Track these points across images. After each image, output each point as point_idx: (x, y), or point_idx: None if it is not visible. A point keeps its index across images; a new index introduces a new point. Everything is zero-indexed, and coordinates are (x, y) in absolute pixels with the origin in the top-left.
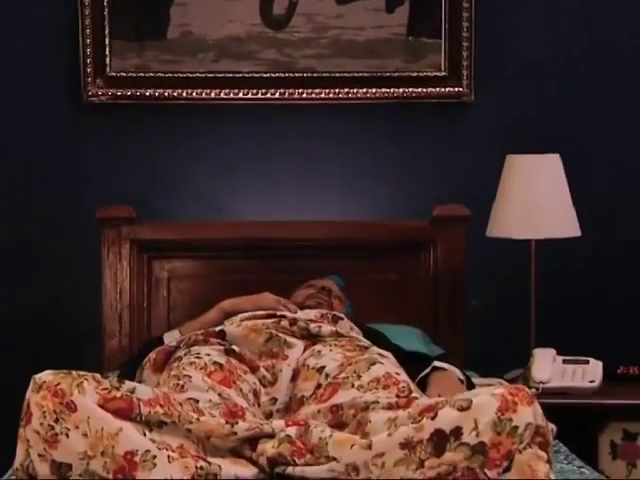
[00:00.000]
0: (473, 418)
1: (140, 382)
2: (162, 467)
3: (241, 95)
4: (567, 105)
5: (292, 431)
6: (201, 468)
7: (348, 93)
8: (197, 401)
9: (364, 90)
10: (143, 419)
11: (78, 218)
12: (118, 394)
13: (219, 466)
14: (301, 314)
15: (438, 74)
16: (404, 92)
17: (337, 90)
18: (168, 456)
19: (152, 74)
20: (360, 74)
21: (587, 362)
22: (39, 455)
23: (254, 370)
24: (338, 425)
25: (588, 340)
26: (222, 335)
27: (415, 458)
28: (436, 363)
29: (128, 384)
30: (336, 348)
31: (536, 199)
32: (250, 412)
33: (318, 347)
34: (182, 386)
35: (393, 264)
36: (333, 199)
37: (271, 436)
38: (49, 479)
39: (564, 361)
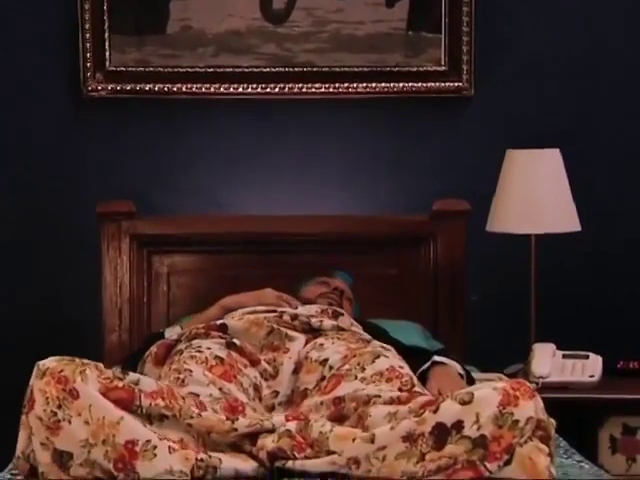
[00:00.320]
0: (475, 412)
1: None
2: (162, 457)
3: (241, 90)
4: (567, 100)
5: (292, 426)
6: (201, 460)
7: (348, 88)
8: (198, 395)
9: (364, 85)
10: (144, 411)
11: (78, 212)
12: (120, 384)
13: (219, 459)
14: (302, 309)
15: (438, 69)
16: (404, 87)
17: (337, 84)
18: (169, 447)
19: (152, 68)
20: (360, 69)
21: (587, 357)
22: (41, 444)
23: (255, 363)
24: (339, 418)
25: (588, 335)
26: (224, 328)
27: (416, 451)
28: (436, 358)
29: (132, 375)
30: (338, 341)
31: (536, 194)
32: (250, 407)
33: (320, 340)
34: (183, 380)
35: (393, 259)
36: (333, 193)
37: (271, 431)
38: (50, 468)
39: (564, 356)
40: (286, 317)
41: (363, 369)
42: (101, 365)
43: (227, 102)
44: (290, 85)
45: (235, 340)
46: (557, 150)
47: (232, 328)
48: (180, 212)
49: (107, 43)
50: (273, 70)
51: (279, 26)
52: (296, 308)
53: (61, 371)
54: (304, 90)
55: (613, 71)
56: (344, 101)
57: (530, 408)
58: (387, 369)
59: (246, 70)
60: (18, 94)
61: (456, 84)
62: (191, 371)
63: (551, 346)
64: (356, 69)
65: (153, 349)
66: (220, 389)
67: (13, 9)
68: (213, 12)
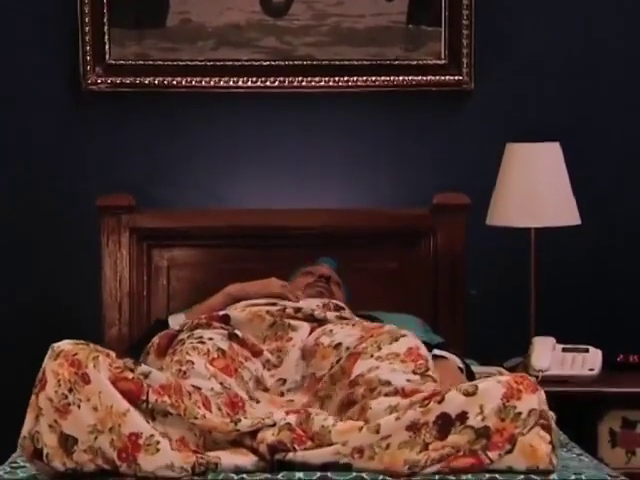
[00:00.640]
0: (479, 403)
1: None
2: (164, 453)
3: (240, 83)
4: (567, 93)
5: (292, 419)
6: (202, 458)
7: (348, 81)
8: (199, 389)
9: (364, 78)
10: (149, 406)
11: (77, 206)
12: (130, 375)
13: (219, 458)
14: (303, 303)
15: (438, 62)
16: (404, 80)
17: (337, 78)
18: (170, 445)
19: (151, 62)
20: (360, 62)
21: (587, 350)
22: (49, 426)
23: (257, 355)
24: (348, 404)
25: (588, 328)
26: (226, 319)
27: (420, 440)
28: (436, 351)
29: (144, 368)
30: (347, 327)
31: (536, 187)
32: (249, 403)
33: (329, 326)
34: (185, 372)
35: (393, 252)
36: (333, 187)
37: (272, 426)
38: (55, 452)
39: (564, 349)
40: (289, 310)
41: (379, 348)
42: (113, 354)
43: (227, 95)
44: (290, 78)
45: (237, 331)
46: (557, 144)
47: (235, 319)
48: (180, 206)
49: (107, 36)
50: (273, 63)
51: (279, 19)
52: (298, 301)
53: (75, 354)
54: (304, 84)
55: (613, 66)
56: (344, 94)
57: (533, 401)
58: (404, 352)
59: (246, 63)
60: (18, 88)
61: (456, 78)
62: (193, 363)
63: (551, 339)
64: (356, 62)
65: (155, 340)
66: (221, 383)
67: (13, 4)
68: (213, 5)
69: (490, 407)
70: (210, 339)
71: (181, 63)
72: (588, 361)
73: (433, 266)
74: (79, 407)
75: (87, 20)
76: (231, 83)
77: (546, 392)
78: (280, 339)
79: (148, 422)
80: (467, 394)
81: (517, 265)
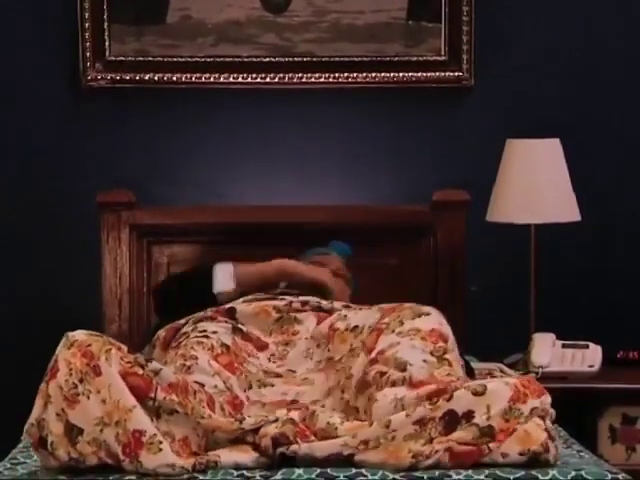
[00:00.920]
0: (486, 403)
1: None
2: (166, 454)
3: (240, 79)
4: (567, 89)
5: (295, 415)
6: (201, 458)
7: (348, 77)
8: (203, 385)
9: (364, 74)
10: (156, 404)
11: (77, 203)
12: (140, 371)
13: (218, 456)
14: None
15: (438, 58)
16: (404, 76)
17: (337, 74)
18: (171, 447)
19: (151, 58)
20: (360, 58)
21: (586, 347)
22: (57, 414)
23: (262, 349)
24: (364, 385)
25: (588, 325)
26: (232, 312)
27: (425, 434)
28: None
29: (154, 365)
30: (362, 311)
31: (536, 183)
32: (248, 405)
33: (343, 312)
34: (189, 367)
35: (393, 249)
36: (333, 183)
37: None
38: (60, 441)
39: (563, 345)
40: (296, 304)
41: (402, 323)
42: (125, 348)
43: (226, 92)
44: (290, 75)
45: (241, 326)
46: (557, 140)
47: (241, 312)
48: (180, 203)
49: (107, 33)
50: (273, 60)
51: (279, 16)
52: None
53: (89, 345)
54: (304, 80)
55: (613, 62)
56: (344, 91)
57: (536, 402)
58: (427, 331)
59: (246, 60)
60: (17, 84)
61: (456, 74)
62: (197, 358)
63: (551, 336)
64: (356, 59)
65: (161, 333)
66: (224, 382)
67: (13, 0)
68: (213, 2)
69: (497, 408)
70: (214, 332)
71: (181, 59)
72: (588, 357)
73: (433, 263)
74: (88, 398)
75: (87, 16)
76: (231, 79)
77: (546, 388)
78: (286, 332)
79: (152, 420)
80: (476, 393)
81: (517, 261)
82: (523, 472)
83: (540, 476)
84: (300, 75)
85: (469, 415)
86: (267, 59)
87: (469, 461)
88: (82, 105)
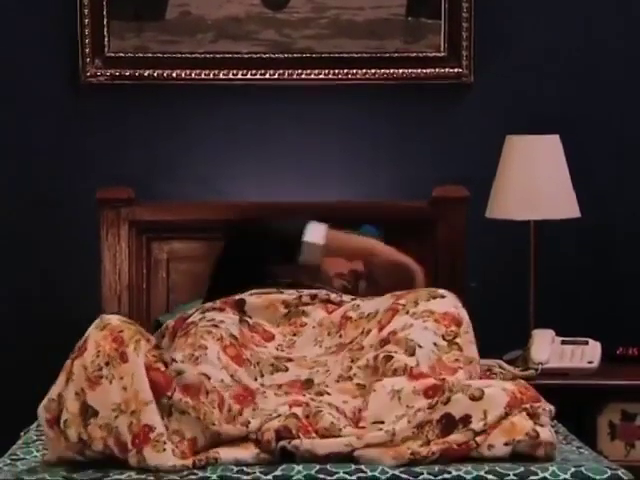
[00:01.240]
0: (483, 409)
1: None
2: (168, 455)
3: (240, 76)
4: (566, 86)
5: (299, 410)
6: (201, 457)
7: (347, 74)
8: (209, 378)
9: (363, 71)
10: (171, 402)
11: (76, 199)
12: (162, 368)
13: (217, 452)
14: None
15: (437, 55)
16: (403, 73)
17: (336, 71)
18: (173, 450)
19: (151, 54)
20: (359, 55)
21: (586, 343)
22: (75, 392)
23: (269, 340)
24: (372, 368)
25: (587, 321)
26: (241, 305)
27: (422, 436)
28: None
29: (179, 366)
30: (373, 300)
31: (535, 180)
32: (260, 392)
33: (356, 302)
34: (197, 357)
35: (393, 245)
36: (332, 180)
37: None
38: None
39: (563, 342)
40: (305, 298)
41: (416, 304)
42: (154, 341)
43: (226, 88)
44: (289, 71)
45: (248, 318)
46: (557, 136)
47: (250, 305)
48: (180, 199)
49: (106, 29)
50: (272, 56)
51: (278, 12)
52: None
53: (121, 331)
54: (303, 76)
55: (613, 60)
56: (343, 87)
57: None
58: (441, 313)
59: (245, 56)
60: (16, 80)
61: (456, 70)
62: (206, 348)
63: (550, 332)
64: (355, 55)
65: (170, 323)
66: (232, 376)
67: None
68: None
69: (493, 414)
70: (222, 322)
71: (180, 56)
72: (587, 354)
73: (433, 259)
74: (110, 382)
75: (86, 12)
76: (230, 76)
77: (545, 385)
78: (294, 324)
79: (164, 418)
80: (473, 398)
81: (516, 258)
82: (522, 469)
83: (540, 472)
84: (299, 71)
85: (466, 420)
86: (266, 55)
87: (456, 457)
88: (81, 101)
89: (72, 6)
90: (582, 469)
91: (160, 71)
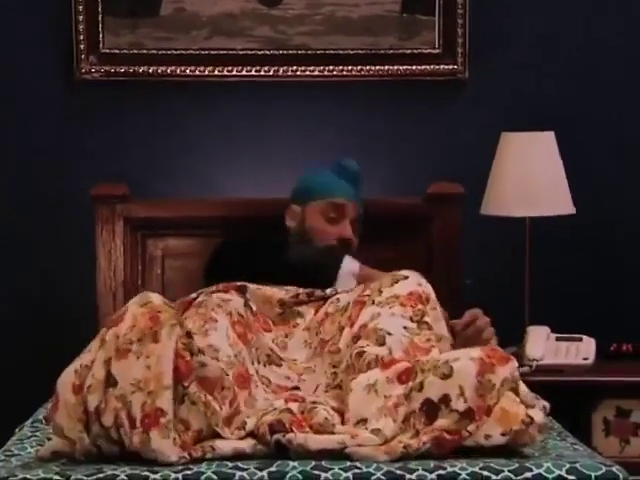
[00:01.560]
0: (457, 384)
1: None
2: (170, 446)
3: (235, 72)
4: (562, 82)
5: (294, 406)
6: (196, 446)
7: (342, 70)
8: (217, 350)
9: (358, 67)
10: (185, 392)
11: (71, 196)
12: (188, 357)
13: (214, 442)
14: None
15: (432, 51)
16: (398, 69)
17: (331, 67)
18: (174, 439)
19: (145, 51)
20: (354, 51)
21: (580, 339)
22: (104, 361)
23: (267, 331)
24: (348, 368)
25: (582, 317)
26: (243, 290)
27: (410, 428)
28: None
29: (205, 358)
30: (352, 291)
31: (531, 176)
32: (255, 380)
33: (337, 296)
34: (207, 330)
35: (388, 242)
36: None
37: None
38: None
39: (558, 338)
40: (302, 296)
41: (380, 292)
42: (187, 330)
43: (221, 84)
44: (284, 68)
45: (252, 304)
46: (552, 133)
47: (251, 292)
48: (175, 195)
49: (101, 25)
50: (267, 53)
51: (273, 8)
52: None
53: (159, 312)
54: (298, 73)
55: (610, 55)
56: (338, 84)
57: (506, 371)
58: (405, 295)
59: (240, 53)
60: (10, 77)
61: (451, 67)
62: (217, 321)
63: (545, 329)
64: (350, 52)
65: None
66: (236, 355)
67: None
68: None
69: (468, 387)
70: (230, 300)
71: (175, 52)
72: (582, 350)
73: (428, 256)
74: (137, 358)
75: (81, 9)
76: (225, 72)
77: (540, 382)
78: (287, 325)
79: (175, 404)
80: (443, 377)
81: (512, 254)
82: (517, 465)
83: (535, 468)
84: (294, 68)
85: (445, 399)
86: (261, 52)
87: (450, 447)
88: (76, 98)
89: (67, 3)
90: (577, 465)
91: (155, 67)
